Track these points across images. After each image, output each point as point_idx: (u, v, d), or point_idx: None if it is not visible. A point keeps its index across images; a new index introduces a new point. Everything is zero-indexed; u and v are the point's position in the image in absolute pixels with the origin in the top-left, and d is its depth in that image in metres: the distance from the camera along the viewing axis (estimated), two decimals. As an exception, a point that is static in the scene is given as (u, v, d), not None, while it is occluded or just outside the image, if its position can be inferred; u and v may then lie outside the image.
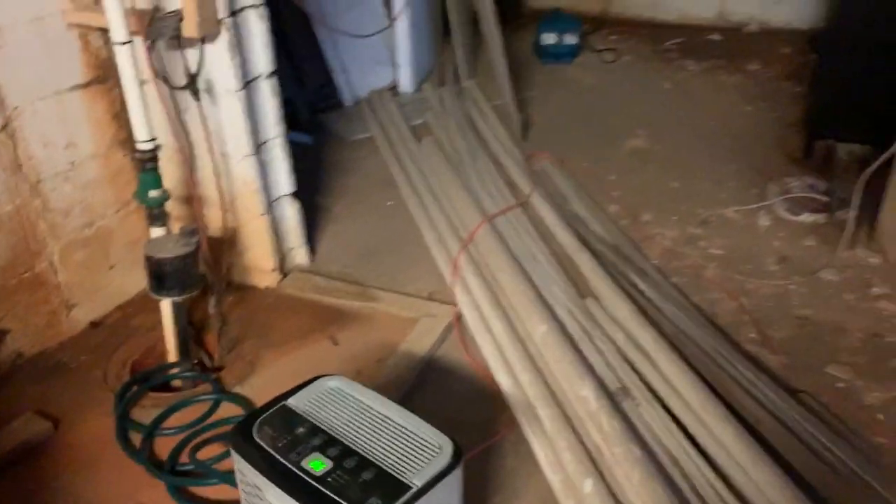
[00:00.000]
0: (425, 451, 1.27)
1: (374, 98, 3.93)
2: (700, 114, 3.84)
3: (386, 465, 1.24)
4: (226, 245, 2.41)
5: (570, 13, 4.82)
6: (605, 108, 3.94)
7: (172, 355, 2.19)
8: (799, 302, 2.44)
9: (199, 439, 1.91)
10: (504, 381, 2.04)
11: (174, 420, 1.99)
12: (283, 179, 2.50)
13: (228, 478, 1.75)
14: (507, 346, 2.11)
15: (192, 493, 1.79)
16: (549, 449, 1.79)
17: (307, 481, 1.21)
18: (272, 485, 1.22)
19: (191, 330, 2.26)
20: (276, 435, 1.30)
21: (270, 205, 2.47)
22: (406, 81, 4.05)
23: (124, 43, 1.85)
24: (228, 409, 2.03)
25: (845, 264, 2.61)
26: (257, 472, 1.24)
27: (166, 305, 2.12)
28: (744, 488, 1.65)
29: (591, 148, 3.50)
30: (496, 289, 2.35)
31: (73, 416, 2.02)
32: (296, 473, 1.23)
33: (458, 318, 2.34)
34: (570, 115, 3.89)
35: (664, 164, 3.36)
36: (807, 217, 2.88)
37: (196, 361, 2.25)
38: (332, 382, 1.43)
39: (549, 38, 4.54)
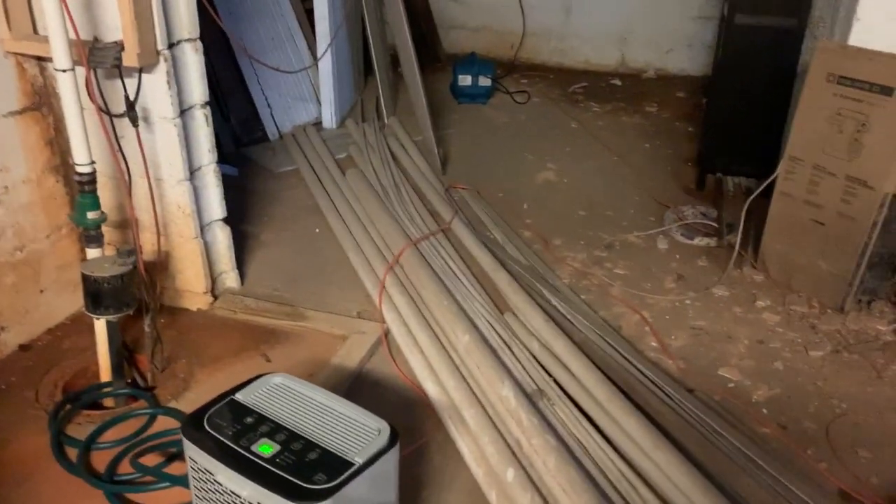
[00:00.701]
0: (365, 434, 1.41)
1: (299, 132, 4.07)
2: (603, 150, 4.15)
3: (330, 447, 1.37)
4: (159, 267, 2.48)
5: (484, 57, 5.13)
6: (518, 145, 4.20)
7: (106, 375, 2.24)
8: (694, 314, 2.70)
9: (138, 450, 1.96)
10: (431, 388, 2.18)
11: (111, 434, 2.04)
12: (215, 205, 2.60)
13: (171, 478, 1.84)
14: (433, 356, 2.26)
15: (129, 499, 1.84)
16: (473, 445, 1.94)
17: (257, 462, 1.33)
18: (224, 467, 1.33)
19: (124, 350, 2.31)
20: (225, 424, 1.41)
21: (202, 229, 2.56)
22: (329, 117, 4.21)
23: (66, 70, 1.95)
24: (164, 424, 2.09)
25: (734, 281, 2.89)
26: (209, 457, 1.35)
27: (101, 325, 2.17)
28: (646, 469, 1.85)
29: (506, 180, 3.74)
30: (421, 305, 2.51)
31: (5, 435, 2.03)
32: (246, 456, 1.34)
33: (386, 333, 2.48)
34: (486, 150, 4.14)
35: (572, 195, 3.63)
36: (700, 241, 3.18)
37: (129, 381, 2.30)
38: (276, 379, 1.55)
39: (464, 80, 4.80)
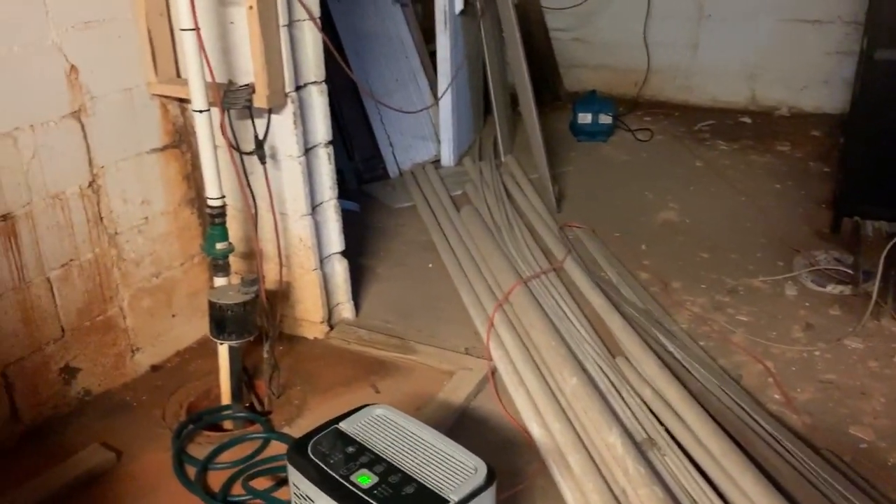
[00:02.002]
0: (462, 472, 1.41)
1: (418, 170, 4.18)
2: (730, 190, 3.99)
3: (426, 482, 1.38)
4: (280, 297, 2.59)
5: (606, 95, 5.08)
6: (638, 183, 4.11)
7: (226, 398, 2.35)
8: (823, 367, 2.52)
9: (250, 472, 2.04)
10: (535, 430, 2.15)
11: (227, 456, 2.14)
12: (334, 238, 2.70)
13: (278, 502, 1.90)
14: (539, 397, 2.23)
15: (241, 520, 1.93)
16: (577, 492, 1.89)
17: (355, 493, 1.35)
18: (324, 495, 1.36)
19: (244, 375, 2.43)
20: (327, 453, 1.45)
21: (322, 261, 2.66)
22: (448, 155, 4.30)
23: (202, 111, 2.10)
24: (277, 448, 2.17)
25: (870, 333, 2.68)
26: (311, 484, 1.38)
27: (223, 350, 2.29)
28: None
29: (624, 219, 3.66)
30: (529, 344, 2.49)
31: (134, 450, 2.18)
32: (345, 486, 1.37)
33: (493, 371, 2.47)
34: (604, 188, 4.08)
35: (694, 236, 3.50)
36: (833, 288, 2.98)
37: (247, 405, 2.41)
38: (378, 410, 1.58)
39: (584, 118, 4.76)
